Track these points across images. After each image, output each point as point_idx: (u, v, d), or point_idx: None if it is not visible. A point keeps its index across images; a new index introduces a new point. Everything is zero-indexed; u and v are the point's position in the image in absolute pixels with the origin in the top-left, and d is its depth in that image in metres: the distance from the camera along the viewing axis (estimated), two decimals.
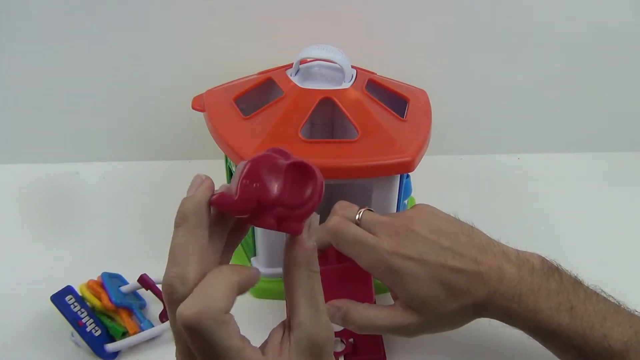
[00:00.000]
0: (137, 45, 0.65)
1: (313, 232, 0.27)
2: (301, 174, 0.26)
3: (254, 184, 0.25)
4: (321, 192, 0.26)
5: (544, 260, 0.38)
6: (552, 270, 0.37)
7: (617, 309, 0.36)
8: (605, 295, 0.37)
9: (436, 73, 0.69)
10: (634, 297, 0.38)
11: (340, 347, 0.45)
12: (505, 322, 0.38)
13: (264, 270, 0.51)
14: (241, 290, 0.25)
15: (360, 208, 0.40)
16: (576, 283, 0.37)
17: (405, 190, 0.52)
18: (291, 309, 0.27)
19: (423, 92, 0.56)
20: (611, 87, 0.73)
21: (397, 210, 0.50)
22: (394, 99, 0.53)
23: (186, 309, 0.23)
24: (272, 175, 0.26)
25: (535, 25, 0.68)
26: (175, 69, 0.67)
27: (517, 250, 0.38)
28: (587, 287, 0.37)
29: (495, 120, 0.75)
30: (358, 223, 0.39)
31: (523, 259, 0.37)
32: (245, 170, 0.25)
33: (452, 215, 0.40)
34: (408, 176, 0.53)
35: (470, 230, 0.39)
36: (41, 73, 0.66)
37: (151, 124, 0.71)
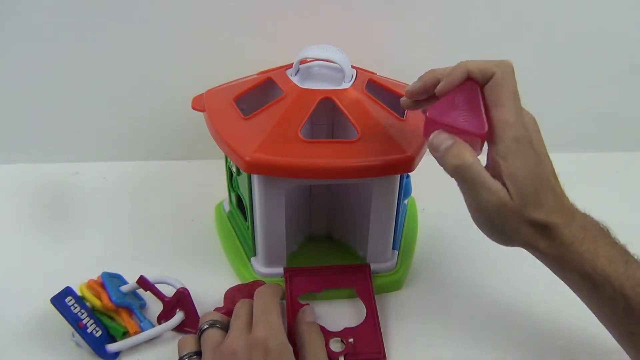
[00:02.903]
0: (137, 45, 0.65)
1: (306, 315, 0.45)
2: None
3: (230, 298, 0.47)
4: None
5: (599, 222, 0.39)
6: (605, 231, 0.39)
7: None
8: None
9: None
10: None
11: (340, 347, 0.45)
12: (560, 264, 0.38)
13: (263, 270, 0.51)
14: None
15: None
16: (625, 247, 0.39)
17: (405, 190, 0.52)
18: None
19: None
20: (611, 87, 0.73)
21: (397, 212, 0.50)
22: (394, 99, 0.53)
23: None
24: (239, 294, 0.47)
25: (535, 25, 0.68)
26: (175, 69, 0.67)
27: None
28: (634, 253, 0.39)
29: None
30: None
31: (585, 214, 0.39)
32: (225, 293, 0.48)
33: None
34: (408, 176, 0.53)
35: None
36: (41, 73, 0.66)
37: (151, 124, 0.71)
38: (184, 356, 0.41)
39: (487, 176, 0.37)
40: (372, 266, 0.52)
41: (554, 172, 0.39)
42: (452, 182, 0.39)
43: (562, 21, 0.68)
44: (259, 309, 0.41)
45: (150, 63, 0.66)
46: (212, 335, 0.41)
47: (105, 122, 0.70)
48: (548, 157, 0.39)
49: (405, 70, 0.60)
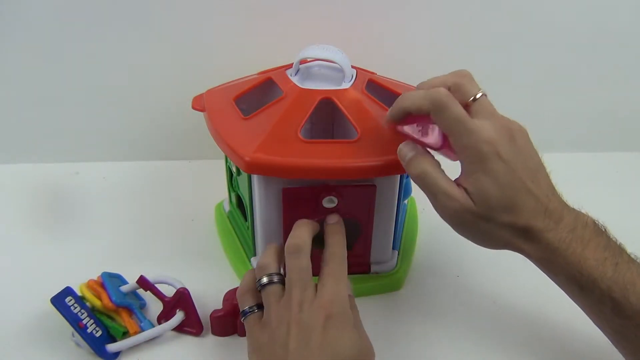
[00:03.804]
0: (138, 45, 0.65)
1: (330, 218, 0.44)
2: None
3: (229, 301, 0.46)
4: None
5: (595, 221, 0.39)
6: (601, 230, 0.38)
7: None
8: None
9: (436, 73, 0.69)
10: None
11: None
12: (546, 266, 0.39)
13: None
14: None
15: (479, 90, 0.40)
16: (621, 247, 0.38)
17: (405, 190, 0.52)
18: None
19: None
20: (612, 87, 0.73)
21: (397, 211, 0.50)
22: (394, 99, 0.53)
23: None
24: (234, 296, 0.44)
25: (535, 25, 0.68)
26: (175, 69, 0.67)
27: (573, 207, 0.40)
28: (630, 253, 0.38)
29: None
30: (470, 103, 0.39)
31: (579, 214, 0.39)
32: (224, 296, 0.47)
33: None
34: (408, 176, 0.53)
35: (547, 171, 0.40)
36: (41, 73, 0.66)
37: (151, 124, 0.71)
38: (246, 310, 0.41)
39: (446, 184, 0.38)
40: (372, 267, 0.52)
41: (538, 174, 0.38)
42: None
43: (562, 21, 0.68)
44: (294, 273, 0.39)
45: (150, 63, 0.67)
46: (275, 290, 0.40)
47: (105, 122, 0.70)
48: (530, 158, 0.38)
49: (405, 70, 0.60)
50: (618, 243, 0.39)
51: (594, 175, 0.73)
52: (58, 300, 0.44)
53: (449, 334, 0.48)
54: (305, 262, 0.40)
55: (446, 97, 0.38)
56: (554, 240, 0.37)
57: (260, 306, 0.40)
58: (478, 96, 0.39)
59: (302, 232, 0.41)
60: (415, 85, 0.57)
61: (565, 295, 0.40)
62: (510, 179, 0.37)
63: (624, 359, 0.39)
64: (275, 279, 0.40)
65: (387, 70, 0.58)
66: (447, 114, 0.37)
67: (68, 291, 0.45)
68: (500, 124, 0.38)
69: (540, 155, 0.40)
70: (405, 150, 0.41)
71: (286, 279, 0.40)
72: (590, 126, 0.77)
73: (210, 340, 0.47)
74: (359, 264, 0.52)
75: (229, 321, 0.46)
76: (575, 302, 0.39)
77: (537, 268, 0.40)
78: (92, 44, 0.64)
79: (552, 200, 0.38)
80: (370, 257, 0.52)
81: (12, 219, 0.62)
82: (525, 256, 0.39)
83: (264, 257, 0.42)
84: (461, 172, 0.39)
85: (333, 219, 0.44)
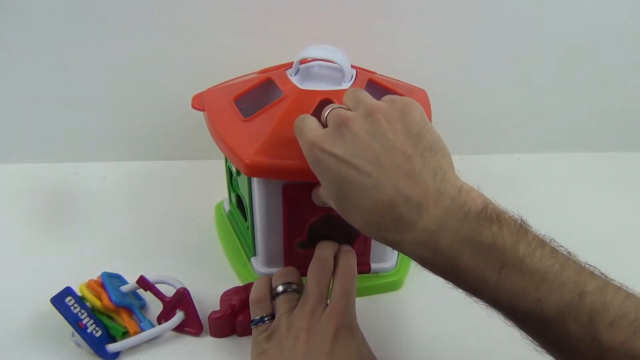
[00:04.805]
0: (137, 45, 0.65)
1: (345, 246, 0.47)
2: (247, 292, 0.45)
3: (227, 302, 0.46)
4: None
5: (487, 206, 0.31)
6: (491, 219, 0.30)
7: (564, 265, 0.30)
8: (553, 247, 0.31)
9: (436, 73, 0.69)
10: None
11: None
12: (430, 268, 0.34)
13: (262, 269, 0.51)
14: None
15: (339, 104, 0.39)
16: (519, 235, 0.30)
17: None
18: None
19: (423, 92, 0.56)
20: (611, 87, 0.73)
21: None
22: None
23: None
24: (236, 296, 0.46)
25: (535, 25, 0.68)
26: (175, 69, 0.67)
27: (462, 188, 0.32)
28: (533, 239, 0.30)
29: (495, 120, 0.75)
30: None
31: (460, 202, 0.31)
32: (221, 297, 0.47)
33: (428, 128, 0.34)
34: None
35: (423, 152, 0.33)
36: (41, 73, 0.66)
37: (151, 124, 0.71)
38: (257, 320, 0.42)
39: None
40: (372, 266, 0.52)
41: (383, 158, 0.33)
42: None
43: (562, 21, 0.68)
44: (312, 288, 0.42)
45: (150, 63, 0.66)
46: (290, 298, 0.42)
47: (105, 122, 0.70)
48: (377, 141, 0.33)
49: (405, 70, 0.60)
50: (517, 229, 0.30)
51: (594, 175, 0.73)
52: (58, 300, 0.44)
53: (449, 334, 0.48)
54: (327, 279, 0.42)
55: (298, 119, 0.39)
56: (412, 246, 0.32)
57: (271, 317, 0.42)
58: (329, 110, 0.38)
59: (328, 253, 0.45)
60: (415, 84, 0.58)
61: None
62: (337, 174, 0.34)
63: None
64: (291, 288, 0.42)
65: (387, 70, 0.58)
66: (295, 130, 0.39)
67: (68, 291, 0.45)
68: (336, 118, 0.35)
69: (417, 127, 0.34)
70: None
71: (305, 288, 0.42)
72: (590, 126, 0.77)
73: (210, 340, 0.47)
74: (359, 264, 0.51)
75: (226, 322, 0.46)
76: None
77: None
78: (92, 43, 0.64)
79: (401, 191, 0.32)
80: (370, 257, 0.52)
81: (12, 219, 0.62)
82: None
83: (284, 268, 0.45)
84: None
85: (348, 247, 0.47)
